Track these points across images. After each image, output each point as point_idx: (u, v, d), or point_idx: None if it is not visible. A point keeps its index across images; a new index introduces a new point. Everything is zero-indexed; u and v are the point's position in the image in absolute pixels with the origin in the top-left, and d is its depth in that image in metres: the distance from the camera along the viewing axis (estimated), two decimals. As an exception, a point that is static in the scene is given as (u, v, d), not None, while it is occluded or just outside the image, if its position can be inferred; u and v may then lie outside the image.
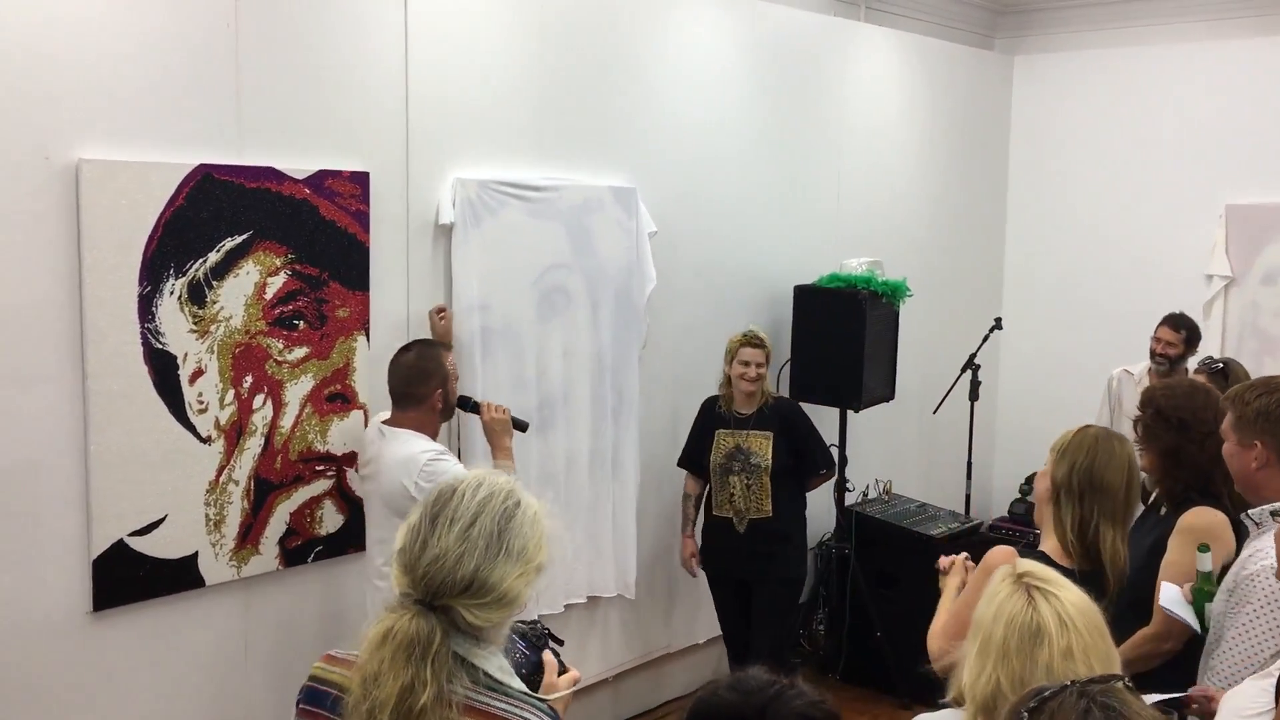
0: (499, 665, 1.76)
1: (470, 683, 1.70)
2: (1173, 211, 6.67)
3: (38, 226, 3.12)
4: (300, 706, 1.87)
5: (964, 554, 3.02)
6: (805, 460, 4.78)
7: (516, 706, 1.72)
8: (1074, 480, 2.76)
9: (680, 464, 4.93)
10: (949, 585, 2.93)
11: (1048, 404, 6.63)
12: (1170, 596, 2.91)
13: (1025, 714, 1.45)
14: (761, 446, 4.68)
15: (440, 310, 4.03)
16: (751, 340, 4.70)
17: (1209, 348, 5.85)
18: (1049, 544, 2.80)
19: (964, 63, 6.81)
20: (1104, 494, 2.74)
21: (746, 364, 4.66)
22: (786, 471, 4.70)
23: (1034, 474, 3.26)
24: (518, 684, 1.77)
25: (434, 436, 3.58)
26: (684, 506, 4.94)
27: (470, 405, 3.75)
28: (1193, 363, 5.26)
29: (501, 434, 3.69)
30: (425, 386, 3.54)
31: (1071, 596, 1.73)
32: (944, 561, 3.01)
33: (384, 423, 3.60)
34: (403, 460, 3.43)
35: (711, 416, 4.80)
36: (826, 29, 5.82)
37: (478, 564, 1.69)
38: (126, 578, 3.35)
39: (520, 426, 3.79)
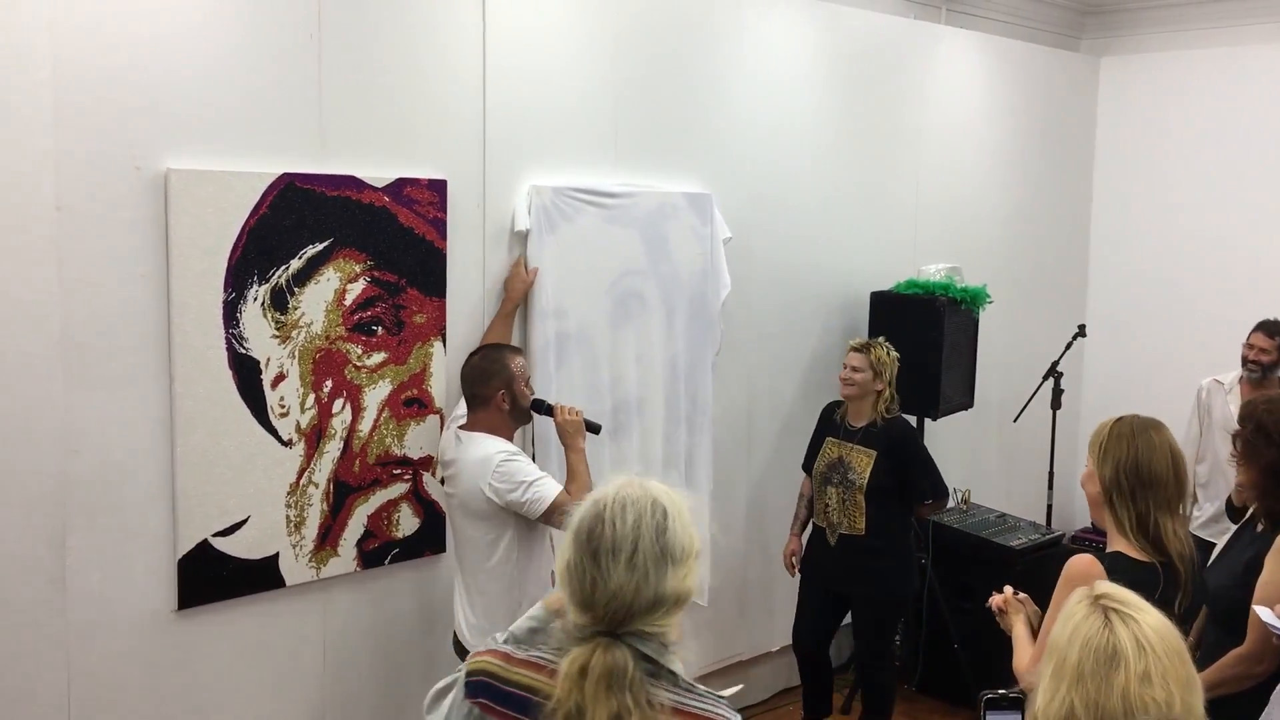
0: (680, 666, 1.83)
1: (671, 685, 1.79)
2: (1266, 215, 6.47)
3: (128, 235, 3.21)
4: (482, 702, 1.89)
5: (1009, 588, 2.96)
6: (910, 486, 4.59)
7: (712, 705, 1.80)
8: (1122, 478, 2.72)
9: (803, 466, 4.89)
10: (1016, 623, 2.87)
11: (1134, 413, 6.45)
12: (1269, 617, 2.82)
13: None
14: (861, 463, 4.55)
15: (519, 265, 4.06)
16: (855, 344, 4.65)
17: (1303, 356, 5.67)
18: (1120, 543, 2.74)
19: (1048, 65, 6.68)
20: (1154, 486, 2.70)
21: (844, 367, 4.63)
22: (885, 492, 4.51)
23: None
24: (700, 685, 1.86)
25: (508, 439, 3.62)
26: (797, 505, 4.90)
27: (544, 408, 3.78)
28: (1285, 372, 5.14)
29: (575, 435, 3.71)
30: (488, 387, 3.58)
31: (1151, 619, 1.68)
32: (994, 602, 2.95)
33: (460, 428, 3.65)
34: (478, 462, 3.48)
35: (827, 423, 4.76)
36: (905, 31, 5.74)
37: (654, 585, 1.77)
38: (210, 577, 3.43)
39: (593, 428, 3.81)
